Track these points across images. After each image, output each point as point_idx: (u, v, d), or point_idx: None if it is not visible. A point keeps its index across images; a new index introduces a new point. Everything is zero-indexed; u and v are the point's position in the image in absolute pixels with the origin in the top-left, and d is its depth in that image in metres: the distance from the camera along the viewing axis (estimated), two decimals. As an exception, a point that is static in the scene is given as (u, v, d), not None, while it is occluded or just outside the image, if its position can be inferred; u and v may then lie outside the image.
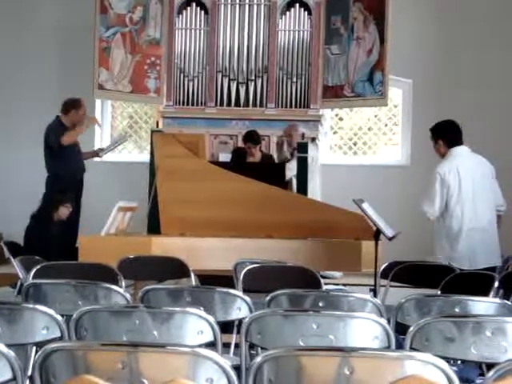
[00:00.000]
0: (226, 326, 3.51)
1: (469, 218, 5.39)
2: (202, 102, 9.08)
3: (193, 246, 5.82)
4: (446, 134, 5.52)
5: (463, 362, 3.39)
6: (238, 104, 9.03)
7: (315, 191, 8.28)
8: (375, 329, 2.75)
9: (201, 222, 6.10)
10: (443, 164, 5.46)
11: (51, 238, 6.68)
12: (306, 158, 7.74)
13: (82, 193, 7.84)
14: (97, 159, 8.48)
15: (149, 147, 7.80)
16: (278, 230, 6.01)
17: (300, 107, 8.98)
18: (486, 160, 5.61)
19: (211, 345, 2.80)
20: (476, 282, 4.45)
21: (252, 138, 8.31)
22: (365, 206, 5.53)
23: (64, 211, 6.93)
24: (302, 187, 7.62)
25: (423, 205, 5.47)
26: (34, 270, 4.23)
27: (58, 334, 2.83)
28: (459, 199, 5.39)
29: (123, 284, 4.21)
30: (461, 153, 5.49)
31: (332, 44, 8.99)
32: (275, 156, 8.65)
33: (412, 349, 2.74)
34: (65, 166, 7.62)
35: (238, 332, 3.15)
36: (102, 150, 8.45)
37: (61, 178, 7.55)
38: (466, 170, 5.42)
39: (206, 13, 9.14)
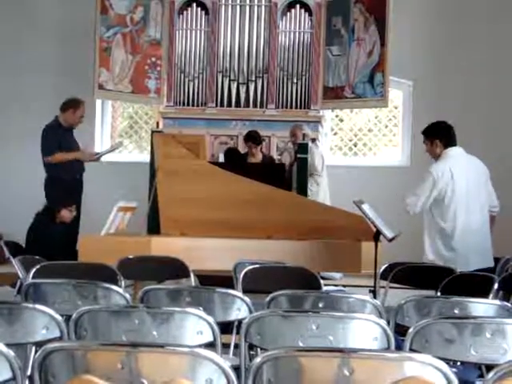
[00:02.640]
0: (226, 327, 3.51)
1: (462, 219, 5.39)
2: (202, 103, 9.08)
3: (192, 247, 5.81)
4: (443, 134, 5.53)
5: (463, 363, 3.39)
6: (238, 105, 9.04)
7: (326, 195, 8.34)
8: (375, 330, 2.75)
9: (201, 223, 6.09)
10: (437, 164, 5.46)
11: (53, 239, 6.68)
12: (306, 159, 7.75)
13: (82, 193, 7.80)
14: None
15: (149, 147, 7.82)
16: (278, 231, 6.00)
17: (300, 108, 8.98)
18: (480, 161, 5.62)
19: (211, 345, 2.80)
20: (475, 284, 4.45)
21: (253, 137, 8.32)
22: (365, 207, 5.52)
23: (66, 214, 6.90)
24: (302, 188, 7.63)
25: (407, 198, 5.48)
26: (33, 270, 4.23)
27: (58, 334, 2.83)
28: (453, 200, 5.39)
29: (123, 284, 4.21)
30: (455, 154, 5.50)
31: (332, 45, 8.99)
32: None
33: (411, 350, 2.74)
34: (63, 167, 7.53)
35: (238, 332, 3.15)
36: (97, 153, 8.14)
37: (60, 179, 7.48)
38: (460, 171, 5.42)
39: (207, 13, 9.15)
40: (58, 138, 7.61)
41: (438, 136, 5.52)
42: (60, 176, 7.51)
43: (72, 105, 7.71)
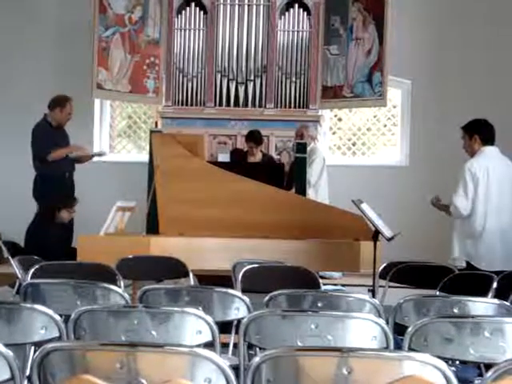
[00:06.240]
0: (225, 326, 3.51)
1: (492, 218, 5.40)
2: (200, 102, 9.08)
3: (191, 246, 5.81)
4: (483, 130, 5.55)
5: (462, 362, 3.39)
6: (237, 104, 9.03)
7: (325, 192, 8.30)
8: (374, 329, 2.75)
9: (199, 222, 6.10)
10: (473, 161, 5.48)
11: (52, 239, 6.67)
12: (304, 158, 7.75)
13: (74, 191, 7.71)
14: (95, 159, 8.34)
15: (148, 147, 7.82)
16: (277, 231, 6.00)
17: (299, 107, 8.98)
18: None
19: (210, 345, 2.80)
20: (475, 283, 4.46)
21: (255, 137, 8.30)
22: (364, 206, 5.53)
23: (66, 215, 6.88)
24: (301, 187, 7.63)
25: (456, 200, 5.43)
26: (32, 270, 4.23)
27: (57, 334, 2.83)
28: (485, 199, 5.40)
29: (122, 284, 4.21)
30: (492, 153, 5.52)
31: (331, 44, 9.00)
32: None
33: (410, 349, 2.74)
34: (53, 166, 7.41)
35: (237, 332, 3.15)
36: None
37: (50, 178, 7.36)
38: (495, 171, 5.44)
39: (205, 13, 9.14)
40: (51, 137, 7.53)
41: (479, 132, 5.54)
42: (49, 174, 7.39)
43: (58, 104, 7.61)
